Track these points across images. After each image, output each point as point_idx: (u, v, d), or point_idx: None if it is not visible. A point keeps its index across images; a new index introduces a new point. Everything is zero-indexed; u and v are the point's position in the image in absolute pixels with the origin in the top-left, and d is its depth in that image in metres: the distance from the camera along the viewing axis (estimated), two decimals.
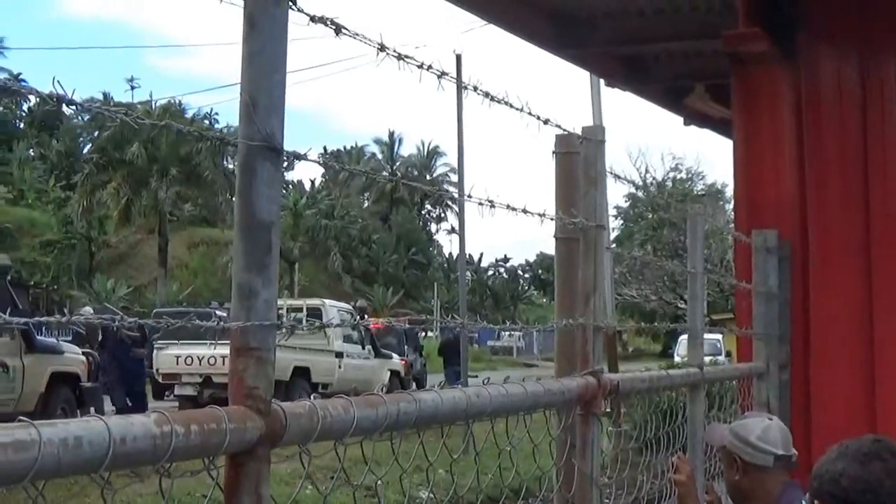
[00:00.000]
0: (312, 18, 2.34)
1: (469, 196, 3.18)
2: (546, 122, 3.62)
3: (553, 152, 4.07)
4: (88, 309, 25.34)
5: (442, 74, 2.88)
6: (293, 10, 2.26)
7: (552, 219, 3.88)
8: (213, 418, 2.08)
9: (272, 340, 2.28)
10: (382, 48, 2.61)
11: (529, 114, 3.47)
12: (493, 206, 3.32)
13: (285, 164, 2.33)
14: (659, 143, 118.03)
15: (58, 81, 1.83)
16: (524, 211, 3.55)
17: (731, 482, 4.96)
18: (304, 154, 2.38)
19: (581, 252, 4.07)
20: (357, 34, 2.49)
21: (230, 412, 2.15)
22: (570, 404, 3.91)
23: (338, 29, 2.43)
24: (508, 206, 3.44)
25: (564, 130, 3.91)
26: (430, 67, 2.81)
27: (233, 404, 2.23)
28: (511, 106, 3.37)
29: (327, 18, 2.37)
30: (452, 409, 2.95)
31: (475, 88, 3.11)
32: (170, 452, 1.95)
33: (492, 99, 3.22)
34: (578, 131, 4.08)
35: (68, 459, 1.75)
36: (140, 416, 1.93)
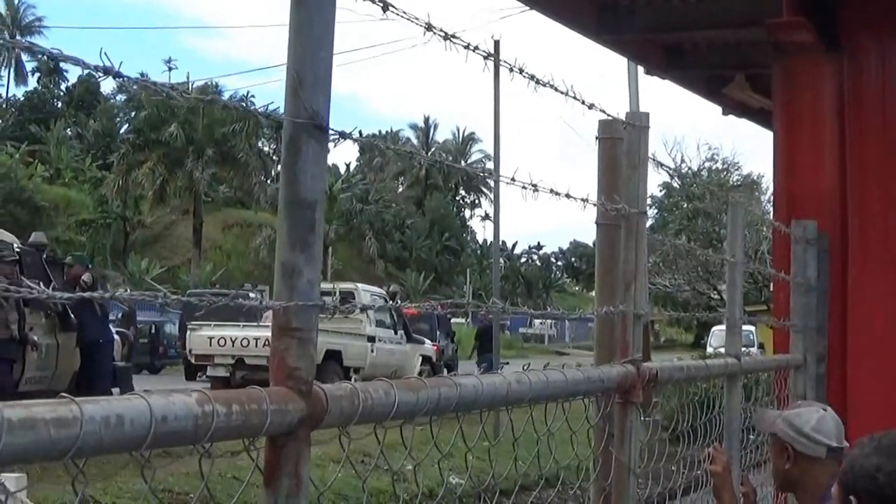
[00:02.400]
0: None
1: (513, 179, 3.15)
2: (591, 106, 3.59)
3: (597, 137, 4.02)
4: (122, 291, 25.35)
5: (488, 56, 2.84)
6: None
7: (594, 204, 3.84)
8: (255, 399, 2.05)
9: (315, 321, 2.26)
10: (430, 27, 2.58)
11: (574, 98, 3.44)
12: (536, 189, 3.28)
13: (331, 143, 2.30)
14: (695, 133, 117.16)
15: (105, 54, 1.81)
16: (567, 196, 3.51)
17: (780, 470, 4.91)
18: (350, 133, 2.35)
19: (622, 238, 4.03)
20: (405, 13, 2.46)
21: (271, 393, 2.12)
22: (608, 392, 3.88)
23: (385, 6, 2.39)
24: (552, 191, 3.40)
25: (609, 116, 3.86)
26: (476, 48, 2.78)
27: (274, 384, 2.20)
28: (556, 89, 3.33)
29: None
30: (493, 394, 2.92)
31: (521, 71, 3.07)
32: (211, 432, 1.93)
33: (537, 82, 3.18)
34: (622, 117, 4.03)
35: (110, 437, 1.73)
36: (182, 395, 1.91)
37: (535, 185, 3.24)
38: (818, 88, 8.38)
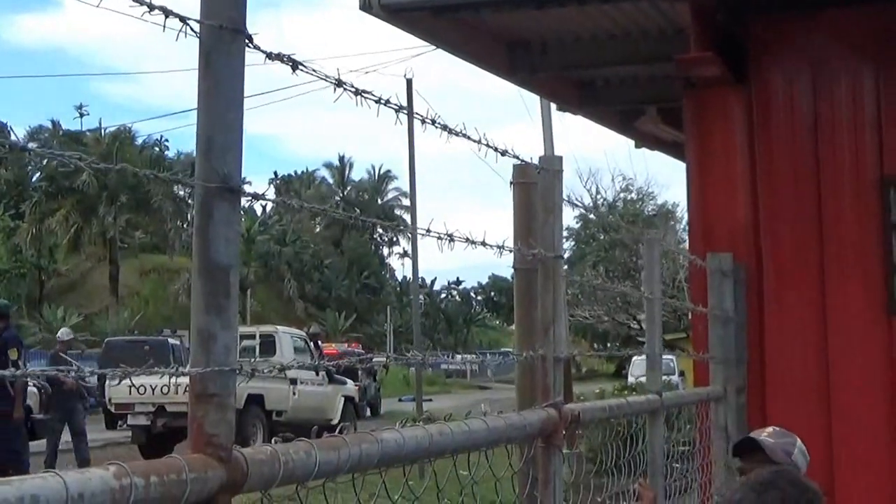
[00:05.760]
0: (269, 55, 2.30)
1: (428, 231, 3.14)
2: (504, 153, 3.60)
3: (511, 182, 4.03)
4: (66, 330, 25.20)
5: (400, 109, 2.84)
6: (250, 48, 2.22)
7: (510, 250, 3.84)
8: (174, 468, 2.03)
9: (232, 385, 2.23)
10: (340, 84, 2.57)
11: (487, 145, 3.44)
12: (452, 240, 3.28)
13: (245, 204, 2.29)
14: (613, 162, 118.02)
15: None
16: (483, 244, 3.51)
17: None
18: (263, 194, 2.34)
19: (540, 283, 4.04)
20: (314, 70, 2.45)
21: (190, 461, 2.09)
22: (531, 438, 3.87)
23: (294, 65, 2.39)
24: (468, 240, 3.41)
25: (522, 161, 3.88)
26: (387, 102, 2.77)
27: (193, 452, 2.17)
28: (469, 138, 3.33)
29: (284, 55, 2.33)
30: (415, 448, 2.91)
31: (433, 122, 3.07)
32: None
33: (450, 132, 3.18)
34: (536, 161, 4.05)
35: None
36: (98, 470, 1.88)
37: (450, 236, 3.24)
38: (728, 121, 8.48)
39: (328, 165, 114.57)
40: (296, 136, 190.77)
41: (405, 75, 25.51)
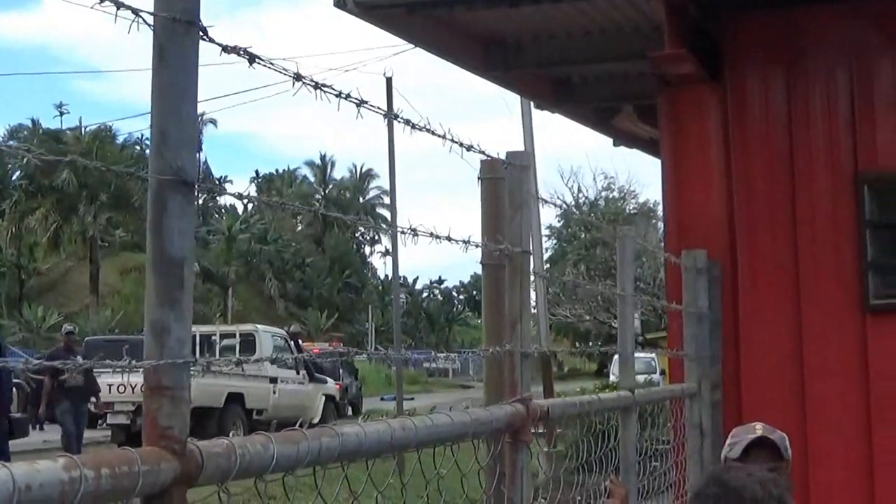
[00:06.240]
0: (225, 48, 2.29)
1: (400, 228, 3.14)
2: (469, 148, 3.59)
3: (478, 178, 4.03)
4: (68, 326, 25.16)
5: (361, 103, 2.83)
6: (204, 40, 2.21)
7: (476, 245, 3.84)
8: (126, 460, 2.02)
9: (186, 378, 2.23)
10: (298, 78, 2.56)
11: (452, 140, 3.44)
12: (415, 234, 3.28)
13: (200, 196, 2.29)
14: (592, 163, 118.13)
15: None
16: (448, 238, 3.51)
17: None
18: (221, 187, 2.33)
19: (507, 278, 4.04)
20: (272, 63, 2.44)
21: (143, 453, 2.09)
22: (498, 433, 3.87)
23: (251, 59, 2.38)
24: (432, 234, 3.40)
25: (488, 156, 3.87)
26: (348, 96, 2.76)
27: (147, 445, 2.17)
28: (433, 133, 3.33)
29: (240, 48, 2.32)
30: (377, 442, 2.90)
31: (396, 117, 3.07)
32: (78, 498, 1.89)
33: (413, 126, 3.18)
34: (503, 156, 4.04)
35: None
36: (48, 462, 1.87)
37: (414, 230, 3.24)
38: (703, 118, 8.49)
39: (310, 164, 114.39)
40: (277, 134, 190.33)
41: (384, 73, 25.39)
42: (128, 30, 2.04)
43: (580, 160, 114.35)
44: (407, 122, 3.13)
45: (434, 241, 3.40)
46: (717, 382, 8.06)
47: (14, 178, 79.44)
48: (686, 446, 7.65)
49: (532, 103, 14.05)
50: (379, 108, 2.92)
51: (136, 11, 2.05)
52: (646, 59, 8.40)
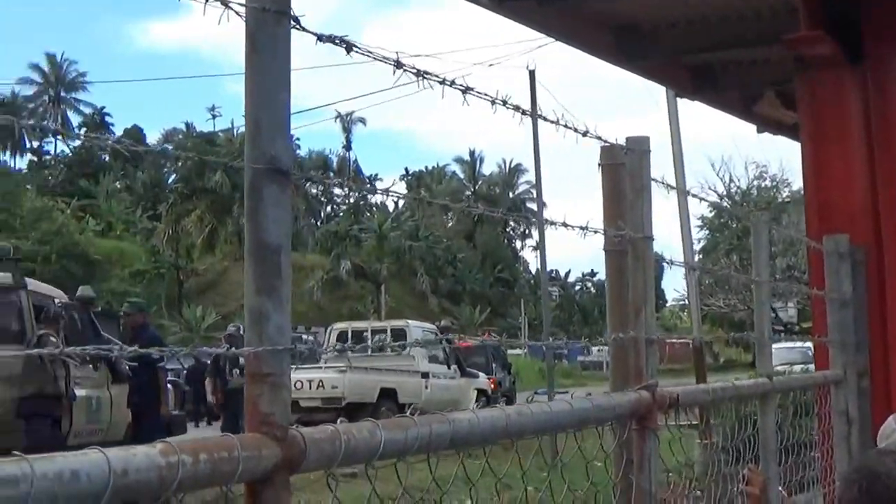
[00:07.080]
0: (320, 38, 2.31)
1: (537, 219, 3.14)
2: (585, 133, 3.57)
3: (598, 164, 4.01)
4: (231, 327, 25.65)
5: (467, 90, 2.83)
6: (297, 29, 2.23)
7: (595, 231, 3.82)
8: (225, 447, 2.04)
9: (286, 365, 2.25)
10: (399, 65, 2.57)
11: (566, 126, 3.42)
12: (531, 223, 3.27)
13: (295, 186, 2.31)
14: (743, 150, 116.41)
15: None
16: (564, 225, 3.50)
17: None
18: (317, 176, 2.35)
19: (630, 264, 4.01)
20: (370, 52, 2.46)
21: (243, 440, 2.11)
22: (622, 420, 3.84)
23: (349, 47, 2.39)
24: (548, 221, 3.40)
25: (606, 142, 3.85)
26: (452, 83, 2.77)
27: (249, 431, 2.20)
28: (546, 119, 3.32)
29: (336, 37, 2.34)
30: (490, 428, 2.89)
31: (504, 103, 3.06)
32: (176, 483, 1.92)
33: (523, 113, 3.17)
34: (623, 143, 4.02)
35: (65, 493, 1.72)
36: (144, 447, 1.90)
37: (528, 218, 3.24)
38: (842, 101, 8.32)
39: (459, 160, 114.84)
40: (429, 131, 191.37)
41: (527, 67, 25.40)
42: (218, 21, 2.07)
43: (727, 148, 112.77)
44: (516, 108, 3.12)
45: (561, 229, 3.40)
46: (864, 370, 7.88)
47: (170, 181, 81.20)
48: (832, 434, 7.51)
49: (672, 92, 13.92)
50: (488, 95, 2.92)
51: (225, 3, 2.08)
52: (782, 43, 8.26)
